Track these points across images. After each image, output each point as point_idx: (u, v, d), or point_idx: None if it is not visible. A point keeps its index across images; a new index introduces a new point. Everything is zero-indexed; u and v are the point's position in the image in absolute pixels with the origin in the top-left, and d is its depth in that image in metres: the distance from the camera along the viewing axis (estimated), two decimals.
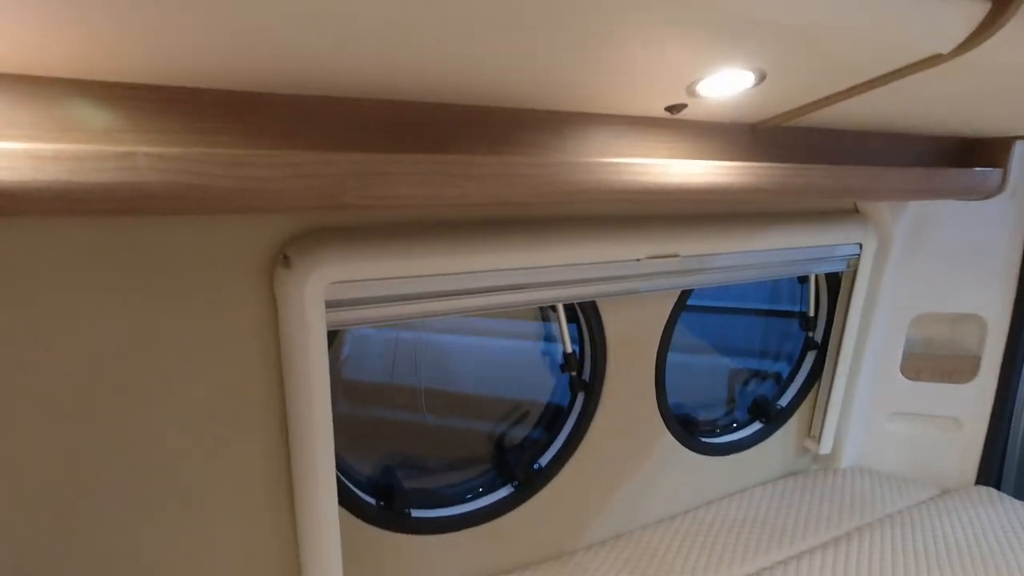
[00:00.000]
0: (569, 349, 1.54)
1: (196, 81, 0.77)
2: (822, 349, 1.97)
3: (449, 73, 0.82)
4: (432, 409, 2.06)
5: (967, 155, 1.61)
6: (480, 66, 0.80)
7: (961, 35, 0.82)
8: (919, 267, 1.87)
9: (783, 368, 2.08)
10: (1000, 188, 1.55)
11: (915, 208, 1.79)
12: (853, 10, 0.72)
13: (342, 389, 1.59)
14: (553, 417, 1.65)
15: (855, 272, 1.82)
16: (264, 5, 0.58)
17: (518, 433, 1.68)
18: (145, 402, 1.04)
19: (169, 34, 0.62)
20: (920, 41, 0.82)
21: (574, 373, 1.56)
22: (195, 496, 1.13)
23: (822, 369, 1.97)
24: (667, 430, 1.73)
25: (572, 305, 1.51)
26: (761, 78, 0.94)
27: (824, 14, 0.71)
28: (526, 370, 1.82)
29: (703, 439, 1.85)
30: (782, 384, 2.03)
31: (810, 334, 1.98)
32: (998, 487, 2.03)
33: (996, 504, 1.90)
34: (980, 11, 0.79)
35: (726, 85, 0.95)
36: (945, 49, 0.85)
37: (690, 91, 0.98)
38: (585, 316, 1.50)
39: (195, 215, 0.96)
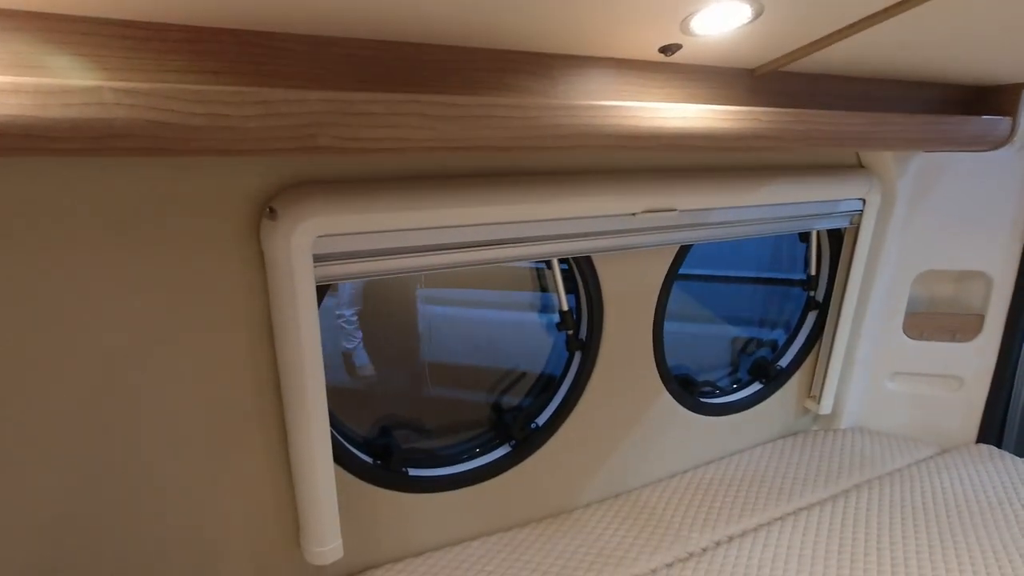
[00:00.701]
0: (565, 307, 1.52)
1: (163, 16, 0.74)
2: (823, 309, 1.95)
3: (428, 10, 0.78)
4: (434, 379, 2.07)
5: (975, 104, 1.56)
6: (460, 2, 0.77)
7: None
8: (923, 223, 1.83)
9: (781, 336, 2.06)
10: (1009, 138, 1.50)
11: (919, 161, 1.74)
12: None
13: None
14: (548, 382, 1.64)
15: (857, 228, 1.78)
16: None
17: (516, 396, 1.68)
18: (135, 362, 1.03)
19: None
20: None
21: (570, 332, 1.54)
22: (193, 456, 1.13)
23: (823, 329, 1.95)
24: (665, 389, 1.72)
25: (570, 268, 1.48)
26: (758, 12, 0.90)
27: None
28: (525, 338, 1.82)
29: (702, 399, 1.84)
30: (783, 345, 2.01)
31: (811, 294, 1.96)
32: (999, 445, 2.02)
33: (997, 461, 1.89)
34: None
35: (721, 20, 0.91)
36: None
37: (684, 28, 0.93)
38: (581, 272, 1.47)
39: (167, 158, 0.93)
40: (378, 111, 0.80)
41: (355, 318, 2.47)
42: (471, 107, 0.85)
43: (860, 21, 0.97)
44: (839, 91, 1.33)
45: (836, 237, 1.86)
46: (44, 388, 0.97)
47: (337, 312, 2.48)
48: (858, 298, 1.88)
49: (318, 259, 1.07)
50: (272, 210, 1.04)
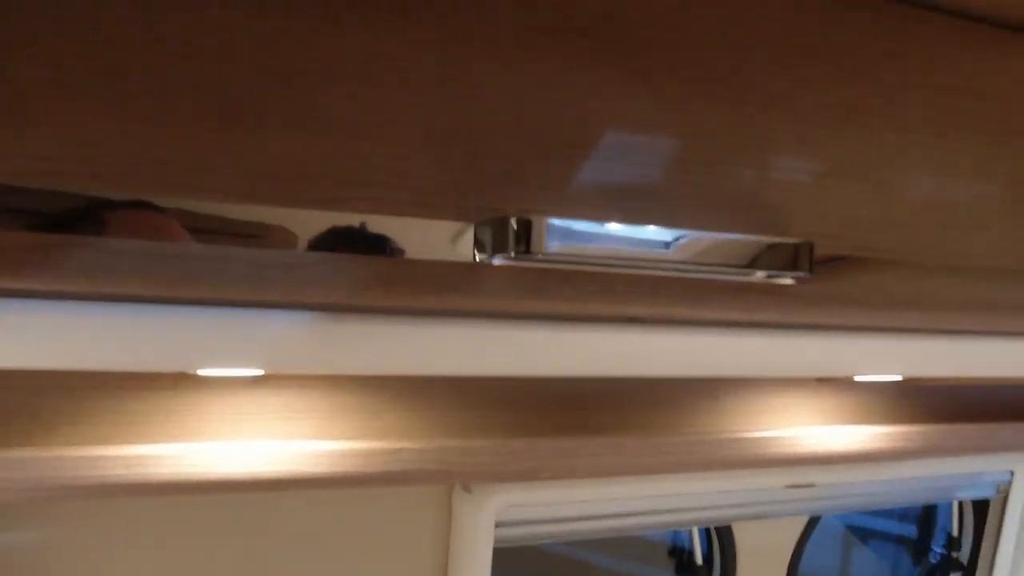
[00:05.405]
0: (700, 561, 1.57)
1: (428, 373, 0.99)
2: (968, 571, 1.84)
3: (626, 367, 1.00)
4: None
5: None
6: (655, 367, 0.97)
7: None
8: None
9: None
10: None
11: None
12: None
13: None
14: None
15: (1006, 498, 1.73)
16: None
17: None
18: None
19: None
20: None
21: None
22: None
23: None
24: None
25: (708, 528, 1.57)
26: None
27: None
28: None
29: None
30: None
31: (954, 555, 1.87)
32: None
33: None
34: None
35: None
36: None
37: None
38: (718, 531, 1.55)
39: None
40: (586, 453, 0.99)
41: None
42: (658, 447, 1.03)
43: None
44: (983, 395, 1.40)
45: (981, 500, 1.81)
46: None
47: None
48: (1011, 566, 1.78)
49: (500, 524, 1.24)
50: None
